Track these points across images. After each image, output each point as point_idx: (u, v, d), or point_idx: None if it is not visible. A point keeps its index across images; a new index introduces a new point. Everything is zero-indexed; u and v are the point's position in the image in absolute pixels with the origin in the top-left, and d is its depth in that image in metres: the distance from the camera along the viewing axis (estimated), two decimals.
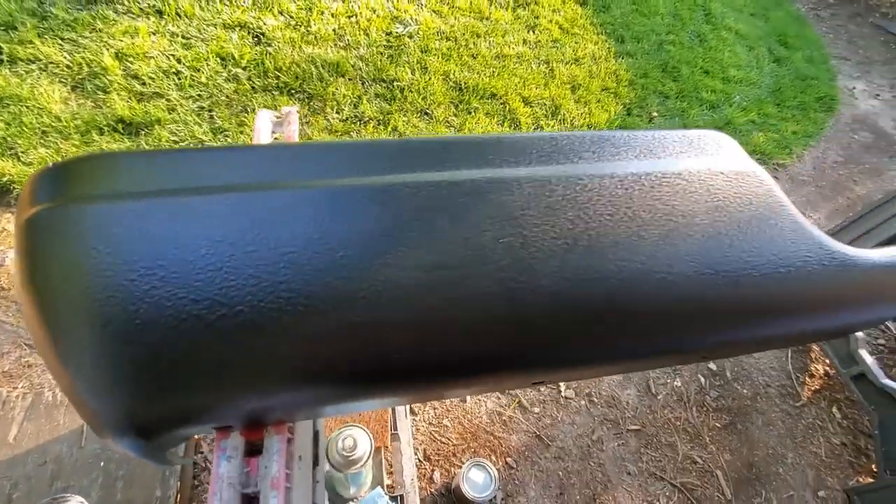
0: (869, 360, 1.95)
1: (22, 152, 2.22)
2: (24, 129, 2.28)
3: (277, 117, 1.00)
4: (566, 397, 2.06)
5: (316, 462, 0.72)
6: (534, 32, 3.75)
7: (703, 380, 2.22)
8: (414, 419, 1.89)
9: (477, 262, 0.55)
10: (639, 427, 2.03)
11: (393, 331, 0.53)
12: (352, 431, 1.08)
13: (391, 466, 1.44)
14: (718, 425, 2.10)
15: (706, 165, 0.68)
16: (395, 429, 1.45)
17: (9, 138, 2.23)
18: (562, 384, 2.08)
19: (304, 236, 0.51)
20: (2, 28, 2.56)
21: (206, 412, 0.53)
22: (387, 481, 1.41)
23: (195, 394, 0.50)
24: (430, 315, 0.52)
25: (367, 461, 1.07)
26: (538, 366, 0.62)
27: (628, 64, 3.78)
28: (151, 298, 0.47)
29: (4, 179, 2.15)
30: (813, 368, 2.34)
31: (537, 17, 3.86)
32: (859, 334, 2.04)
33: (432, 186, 0.58)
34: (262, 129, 0.95)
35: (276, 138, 0.96)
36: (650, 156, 0.68)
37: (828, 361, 2.30)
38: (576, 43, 3.79)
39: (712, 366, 2.28)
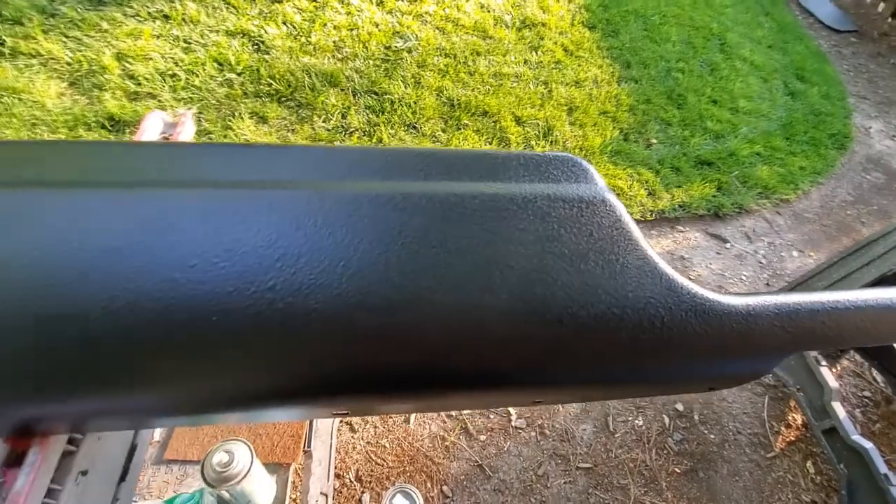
0: (841, 413, 1.81)
1: None
2: (14, 119, 2.37)
3: (172, 118, 0.99)
4: (516, 427, 1.98)
5: (124, 477, 0.69)
6: (536, 53, 3.72)
7: (667, 420, 2.10)
8: (352, 436, 1.84)
9: (243, 278, 0.51)
10: (590, 465, 1.93)
11: (144, 345, 0.50)
12: (230, 445, 1.04)
13: (299, 486, 1.39)
14: (678, 471, 1.98)
15: (547, 191, 0.63)
16: (309, 445, 1.41)
17: None
18: (513, 414, 2.00)
19: (45, 239, 0.48)
20: (9, 22, 2.68)
21: None
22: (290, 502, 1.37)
23: None
24: (169, 332, 0.49)
25: (244, 478, 1.03)
26: (313, 395, 0.57)
27: (631, 89, 3.71)
28: None
29: None
30: (790, 418, 2.19)
31: (542, 38, 3.84)
32: (834, 384, 1.90)
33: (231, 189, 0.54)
34: (150, 129, 0.94)
35: (164, 139, 0.95)
36: (486, 178, 0.63)
37: None
38: (578, 65, 3.75)
39: (679, 406, 2.15)
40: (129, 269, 0.49)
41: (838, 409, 1.84)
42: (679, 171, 3.27)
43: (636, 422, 2.08)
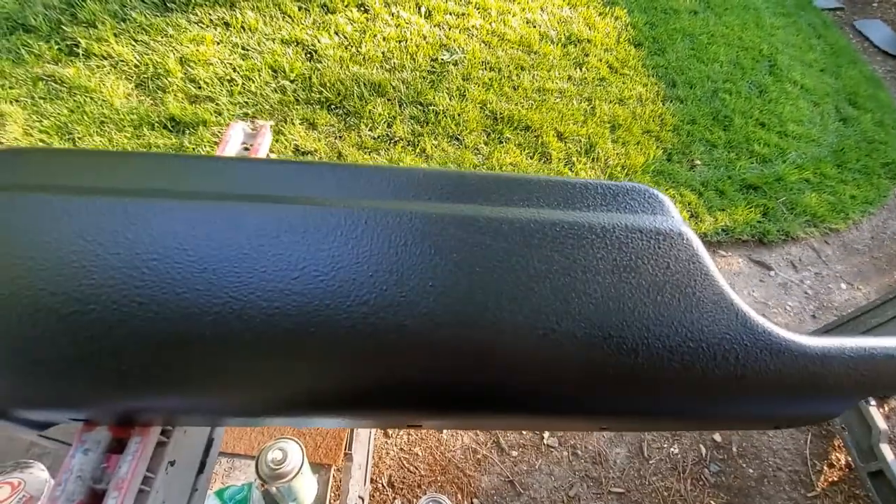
0: (890, 456, 1.74)
1: (78, 138, 2.44)
2: (85, 117, 2.51)
3: (252, 129, 1.04)
4: (548, 445, 1.97)
5: (202, 469, 0.73)
6: (581, 69, 3.73)
7: (703, 450, 2.06)
8: (386, 441, 1.87)
9: (340, 293, 0.54)
10: (623, 490, 1.90)
11: (245, 353, 0.53)
12: (284, 444, 1.08)
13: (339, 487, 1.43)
14: (714, 503, 1.93)
15: (624, 222, 0.64)
16: (350, 449, 1.44)
17: (70, 124, 2.47)
18: (545, 432, 1.99)
19: (171, 246, 0.53)
20: (84, 25, 2.86)
21: (57, 403, 0.55)
22: (336, 502, 1.40)
23: (42, 383, 0.52)
24: (272, 341, 0.52)
25: (295, 476, 1.07)
26: (394, 407, 0.60)
27: (676, 109, 3.67)
28: (13, 287, 0.49)
29: None
30: (833, 457, 2.11)
31: (587, 55, 3.84)
32: (883, 425, 1.82)
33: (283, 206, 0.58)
34: (233, 138, 0.99)
35: (244, 148, 1.01)
36: (564, 206, 0.65)
37: None
38: (623, 83, 3.73)
39: (717, 437, 2.10)
40: (240, 278, 0.53)
41: (887, 451, 1.77)
42: (723, 194, 3.21)
43: (672, 449, 2.04)
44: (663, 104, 3.68)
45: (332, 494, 1.50)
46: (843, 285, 3.00)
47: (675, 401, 0.63)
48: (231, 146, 0.98)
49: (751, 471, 2.04)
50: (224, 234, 0.55)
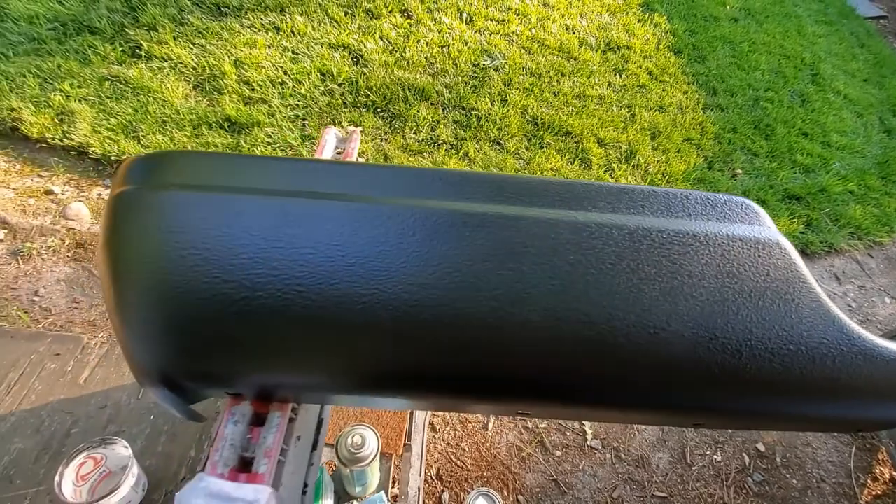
0: None
1: (143, 136, 2.57)
2: (149, 116, 2.64)
3: (344, 134, 1.11)
4: (592, 447, 2.00)
5: (314, 446, 0.79)
6: (620, 76, 3.74)
7: (747, 459, 2.06)
8: (433, 436, 1.93)
9: (472, 287, 0.60)
10: (665, 495, 1.92)
11: (388, 340, 0.60)
12: (361, 430, 1.15)
13: (398, 476, 1.49)
14: None
15: (725, 230, 0.69)
16: (409, 440, 1.50)
17: (134, 122, 2.59)
18: (588, 433, 2.03)
19: (324, 242, 0.59)
20: (145, 28, 3.00)
21: (219, 378, 0.62)
22: (392, 490, 1.46)
23: (211, 359, 0.59)
24: (412, 330, 0.58)
25: (371, 461, 1.13)
26: (514, 395, 0.65)
27: (717, 117, 3.66)
28: (192, 273, 0.56)
29: (125, 157, 2.50)
30: (878, 471, 2.09)
31: (626, 62, 3.86)
32: None
33: (434, 212, 0.64)
34: (328, 143, 1.07)
35: (337, 153, 1.08)
36: (667, 214, 0.69)
37: None
38: (663, 90, 3.73)
39: (760, 446, 2.10)
40: (385, 272, 0.59)
41: None
42: (765, 203, 3.18)
43: (714, 456, 2.05)
44: (704, 112, 3.67)
45: (396, 483, 1.56)
46: (887, 299, 2.96)
47: (773, 401, 0.66)
48: (328, 149, 1.05)
49: (794, 481, 2.03)
50: (368, 231, 0.62)
